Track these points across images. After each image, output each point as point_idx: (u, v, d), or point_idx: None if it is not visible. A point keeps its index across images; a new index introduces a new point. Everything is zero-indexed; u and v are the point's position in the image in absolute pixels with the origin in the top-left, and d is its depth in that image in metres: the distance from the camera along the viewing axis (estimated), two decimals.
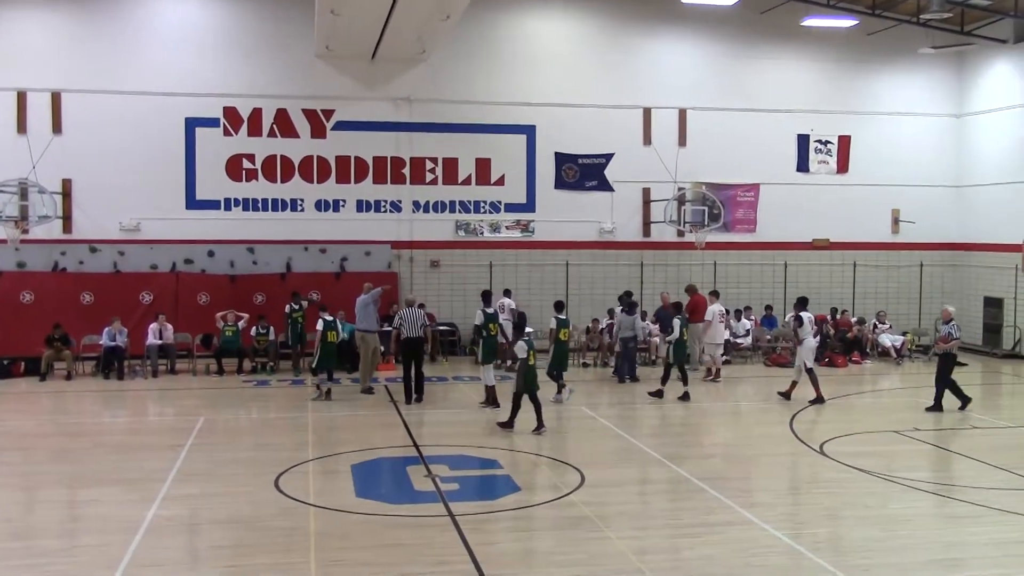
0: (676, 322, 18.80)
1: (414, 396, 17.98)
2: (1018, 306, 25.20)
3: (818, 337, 19.61)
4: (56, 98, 22.87)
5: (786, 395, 18.48)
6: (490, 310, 18.09)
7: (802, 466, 13.50)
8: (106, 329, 20.72)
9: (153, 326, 21.27)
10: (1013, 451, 14.46)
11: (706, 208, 24.35)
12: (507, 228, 24.98)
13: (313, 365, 18.57)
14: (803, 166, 26.52)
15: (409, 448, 14.25)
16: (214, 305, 22.29)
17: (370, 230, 24.18)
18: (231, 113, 23.65)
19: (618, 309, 21.45)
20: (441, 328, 23.76)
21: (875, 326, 24.95)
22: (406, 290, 23.91)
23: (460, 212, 24.75)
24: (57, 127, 22.86)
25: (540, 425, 15.26)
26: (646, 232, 25.63)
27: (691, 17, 25.33)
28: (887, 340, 24.54)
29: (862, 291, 26.59)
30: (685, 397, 18.36)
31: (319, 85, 23.95)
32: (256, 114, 23.73)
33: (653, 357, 22.71)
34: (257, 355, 21.61)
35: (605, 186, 25.34)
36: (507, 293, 22.86)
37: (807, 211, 26.31)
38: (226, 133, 23.64)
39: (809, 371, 18.33)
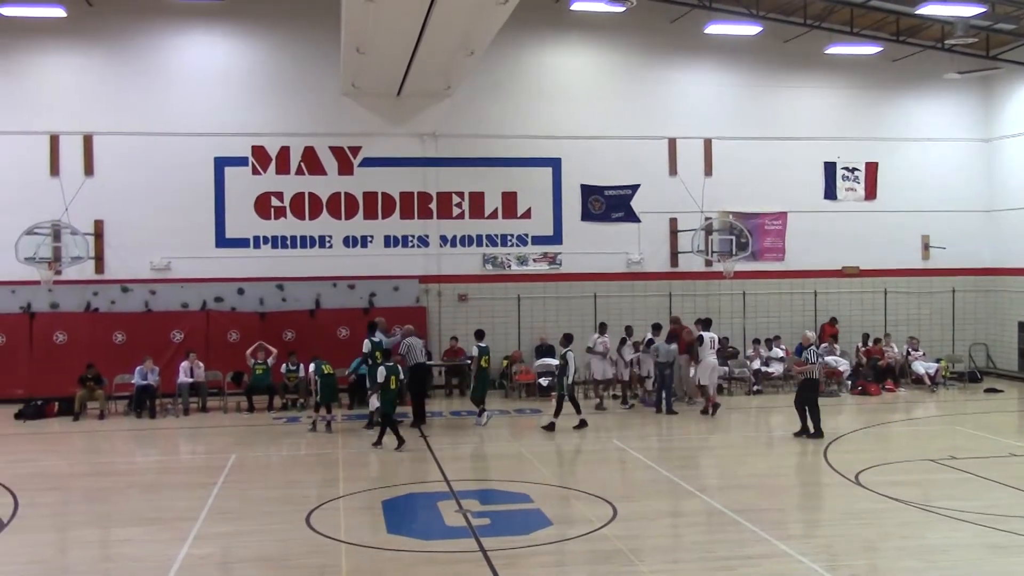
0: (570, 355, 18.64)
1: (414, 419, 18.82)
2: None
3: (720, 357, 21.38)
4: (88, 140, 23.23)
5: (708, 410, 20.00)
6: (376, 339, 18.60)
7: (837, 497, 13.31)
8: (138, 368, 20.88)
9: (184, 364, 21.39)
10: None
11: (734, 237, 24.26)
12: (534, 261, 25.01)
13: (317, 400, 18.84)
14: (830, 193, 26.40)
15: (439, 483, 14.19)
16: (244, 342, 22.40)
17: (398, 265, 24.28)
18: (259, 152, 23.91)
19: (648, 336, 21.52)
20: (469, 362, 23.69)
21: (908, 353, 24.68)
22: (434, 325, 24.02)
23: (487, 246, 24.82)
24: (89, 169, 23.20)
25: (378, 443, 16.72)
26: (674, 262, 25.57)
27: (715, 47, 25.40)
28: (920, 367, 24.26)
29: (894, 318, 26.34)
30: (550, 427, 18.32)
31: (346, 122, 24.18)
32: (284, 152, 23.98)
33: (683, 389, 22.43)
34: (287, 392, 21.67)
35: (632, 217, 25.34)
36: (602, 329, 22.58)
37: (836, 239, 26.16)
38: (254, 172, 23.88)
39: (702, 387, 20.54)
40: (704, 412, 20.20)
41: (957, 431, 18.30)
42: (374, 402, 18.11)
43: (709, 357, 20.52)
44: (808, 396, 17.50)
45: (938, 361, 24.78)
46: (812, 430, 17.32)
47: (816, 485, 14.01)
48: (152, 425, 20.01)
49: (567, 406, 18.53)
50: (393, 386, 16.85)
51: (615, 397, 22.34)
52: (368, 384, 18.60)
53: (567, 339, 19.24)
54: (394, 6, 17.09)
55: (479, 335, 19.99)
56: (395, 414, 17.25)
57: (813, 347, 17.91)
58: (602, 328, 22.26)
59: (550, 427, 18.31)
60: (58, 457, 17.02)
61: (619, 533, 11.29)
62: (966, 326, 26.79)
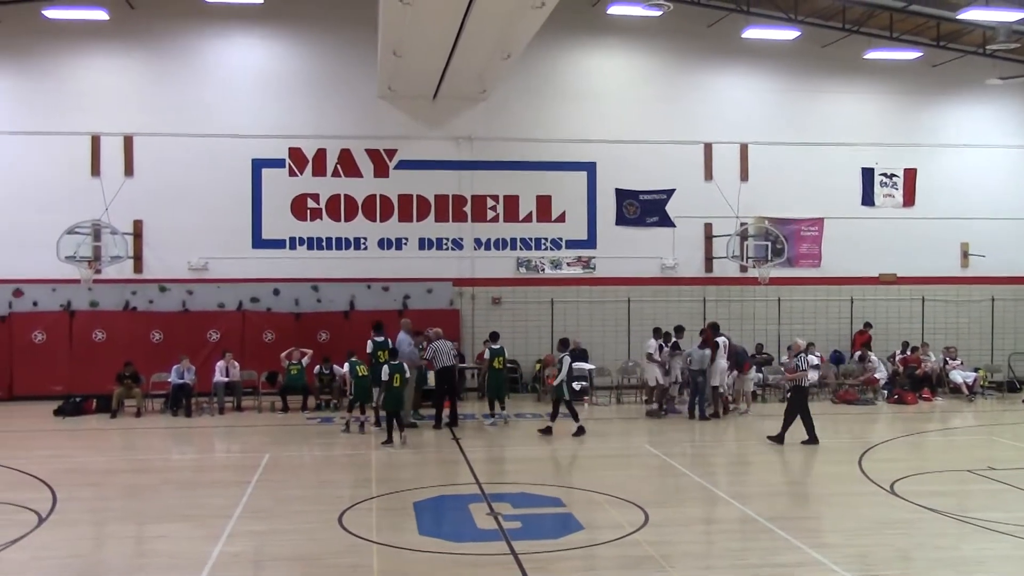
0: (566, 359, 18.52)
1: (444, 422, 18.98)
2: None
3: (730, 361, 20.96)
4: (128, 141, 23.54)
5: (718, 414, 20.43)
6: (379, 339, 18.93)
7: (872, 505, 13.17)
8: (175, 367, 21.08)
9: (220, 364, 21.59)
10: None
11: (769, 243, 24.13)
12: (568, 265, 25.00)
13: (350, 400, 19.02)
14: (868, 200, 26.17)
15: (471, 486, 14.21)
16: (279, 343, 22.59)
17: (432, 267, 24.38)
18: (296, 154, 24.11)
19: (673, 339, 21.23)
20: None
21: (945, 362, 24.39)
22: (467, 327, 24.05)
23: (521, 249, 24.85)
24: (129, 170, 23.50)
25: (402, 439, 17.12)
26: (708, 267, 25.46)
27: (752, 52, 25.28)
28: (958, 376, 23.96)
29: (931, 326, 26.05)
30: (580, 432, 18.19)
31: (382, 125, 24.32)
32: (320, 154, 24.16)
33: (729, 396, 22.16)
34: (321, 392, 21.79)
35: (666, 222, 25.26)
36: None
37: (873, 245, 25.93)
38: (291, 173, 24.09)
39: (714, 388, 20.40)
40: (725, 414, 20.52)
41: (995, 441, 18.05)
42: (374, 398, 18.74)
43: (721, 361, 20.51)
44: (798, 402, 17.46)
45: (976, 370, 24.47)
46: (778, 433, 17.40)
47: (850, 494, 13.86)
48: (188, 423, 20.22)
49: (545, 408, 18.74)
50: (397, 384, 17.11)
51: (645, 401, 22.22)
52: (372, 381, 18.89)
53: (563, 344, 19.23)
54: (431, 9, 17.18)
55: (493, 337, 20.20)
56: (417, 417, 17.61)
57: (803, 354, 17.90)
58: (656, 332, 21.61)
59: (579, 431, 18.23)
60: (95, 453, 17.23)
61: (650, 539, 11.25)
62: (1005, 335, 26.41)
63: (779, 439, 17.34)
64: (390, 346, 18.99)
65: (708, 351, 20.55)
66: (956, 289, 26.39)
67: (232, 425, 20.09)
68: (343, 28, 23.94)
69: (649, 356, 21.28)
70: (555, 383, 18.45)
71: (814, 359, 23.50)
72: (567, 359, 18.56)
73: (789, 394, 18.04)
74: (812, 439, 17.29)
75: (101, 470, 15.64)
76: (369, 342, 19.05)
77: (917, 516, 12.43)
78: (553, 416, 18.48)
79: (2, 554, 10.53)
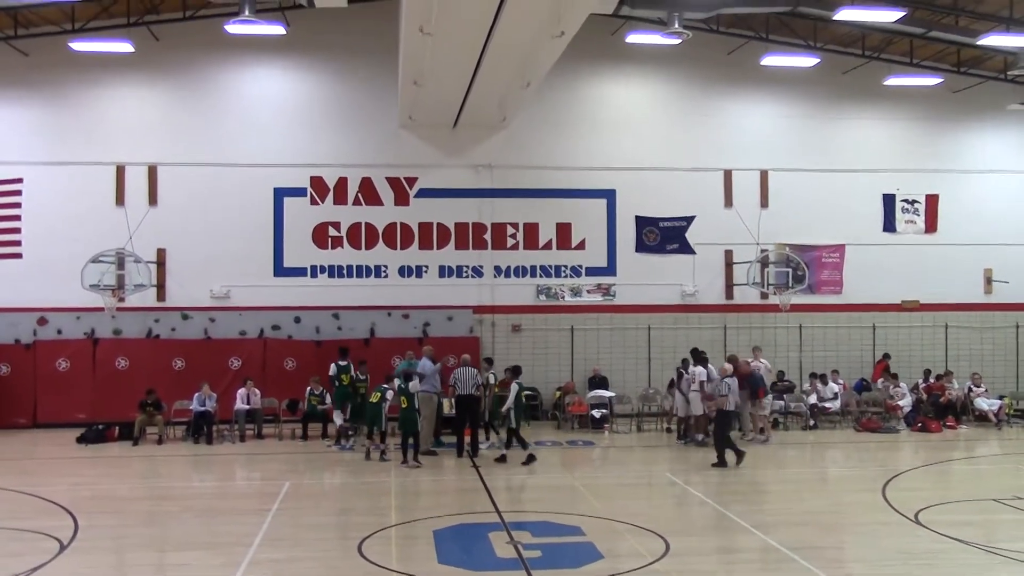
0: (513, 387, 18.48)
1: (466, 451, 18.92)
2: None
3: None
4: (152, 171, 23.79)
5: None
6: (343, 363, 20.30)
7: (896, 535, 13.02)
8: (196, 394, 21.18)
9: (241, 391, 21.68)
10: None
11: (790, 270, 24.04)
12: (588, 292, 24.99)
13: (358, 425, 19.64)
14: (890, 226, 26.07)
15: (491, 514, 14.16)
16: (301, 370, 22.66)
17: (452, 295, 24.43)
18: (318, 182, 24.28)
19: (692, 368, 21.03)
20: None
21: (970, 390, 24.15)
22: (487, 355, 24.01)
23: (541, 276, 24.87)
24: (153, 199, 23.74)
25: (374, 447, 18.39)
26: (729, 295, 25.39)
27: (771, 79, 25.31)
28: (983, 404, 23.72)
29: (955, 354, 25.83)
30: (502, 460, 18.16)
31: (402, 154, 24.48)
32: (342, 183, 24.32)
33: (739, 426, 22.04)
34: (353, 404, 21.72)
35: (686, 249, 25.23)
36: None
37: (895, 272, 25.79)
38: (313, 202, 24.26)
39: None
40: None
41: (1022, 470, 17.81)
42: (338, 419, 19.95)
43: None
44: (721, 427, 17.66)
45: (1001, 398, 24.21)
46: (736, 459, 17.51)
47: (874, 523, 13.71)
48: (209, 451, 20.27)
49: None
50: (404, 405, 17.74)
51: (668, 430, 22.08)
52: (337, 403, 20.11)
53: (514, 371, 19.13)
54: (452, 39, 17.31)
55: (488, 362, 21.21)
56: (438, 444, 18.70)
57: (729, 378, 17.96)
58: (703, 362, 20.79)
59: (501, 459, 18.18)
60: (117, 481, 17.31)
61: (671, 568, 11.16)
62: None
63: (739, 460, 17.52)
64: (352, 371, 20.13)
65: (732, 381, 20.33)
66: (980, 316, 26.19)
67: (253, 453, 20.13)
68: (364, 58, 24.15)
69: (702, 385, 20.54)
70: (504, 410, 18.53)
71: (836, 386, 23.48)
72: (514, 387, 18.59)
73: (713, 417, 18.36)
74: (720, 462, 17.44)
75: (123, 497, 15.72)
76: (332, 366, 20.17)
77: (943, 546, 12.27)
78: (524, 445, 18.40)
79: None
